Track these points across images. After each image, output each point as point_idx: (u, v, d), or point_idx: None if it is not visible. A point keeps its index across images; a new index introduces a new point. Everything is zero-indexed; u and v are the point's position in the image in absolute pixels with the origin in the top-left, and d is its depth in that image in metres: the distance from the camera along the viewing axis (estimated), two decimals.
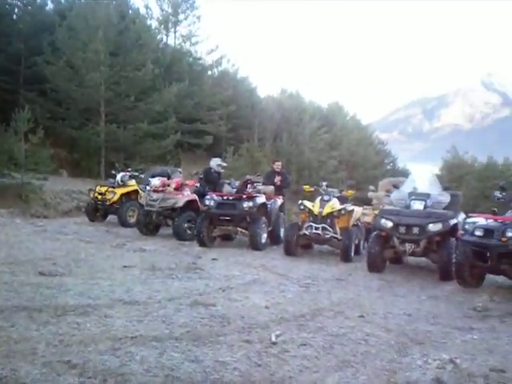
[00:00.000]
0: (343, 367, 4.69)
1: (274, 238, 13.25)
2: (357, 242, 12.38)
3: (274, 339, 5.29)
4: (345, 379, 4.41)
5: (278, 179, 14.38)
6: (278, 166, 14.94)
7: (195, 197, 13.80)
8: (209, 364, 4.51)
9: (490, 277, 9.44)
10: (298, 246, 11.93)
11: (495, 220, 8.66)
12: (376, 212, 12.48)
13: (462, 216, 10.65)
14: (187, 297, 6.96)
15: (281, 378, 4.35)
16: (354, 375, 4.51)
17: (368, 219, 14.12)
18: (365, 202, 16.11)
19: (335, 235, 11.63)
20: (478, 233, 8.50)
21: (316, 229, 11.53)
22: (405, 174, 42.87)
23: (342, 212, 11.85)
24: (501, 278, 9.36)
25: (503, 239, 8.13)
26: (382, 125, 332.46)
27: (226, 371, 4.38)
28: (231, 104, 36.88)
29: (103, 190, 15.87)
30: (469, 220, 8.96)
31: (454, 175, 41.60)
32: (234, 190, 12.81)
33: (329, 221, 11.66)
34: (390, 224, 9.88)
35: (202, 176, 15.19)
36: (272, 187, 13.87)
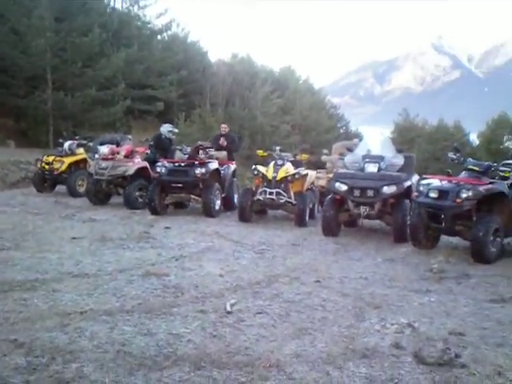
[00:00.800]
0: (300, 335, 4.60)
1: (227, 205, 13.11)
2: (311, 206, 12.33)
3: (229, 308, 5.18)
4: (302, 347, 4.31)
5: (222, 141, 14.06)
6: (223, 128, 14.63)
7: (146, 164, 13.51)
8: (162, 337, 4.38)
9: (444, 238, 9.51)
10: (252, 211, 11.80)
11: (449, 181, 8.67)
12: (330, 176, 12.41)
13: (415, 178, 10.67)
14: (139, 267, 6.78)
15: (237, 348, 4.23)
16: (312, 343, 4.42)
17: (322, 183, 14.08)
18: (319, 165, 16.05)
19: (289, 200, 11.53)
20: (433, 194, 8.51)
21: (270, 194, 11.40)
22: (358, 137, 43.17)
23: (296, 176, 11.74)
24: (455, 239, 9.44)
25: (457, 200, 8.15)
26: (334, 89, 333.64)
27: (179, 344, 4.25)
28: (182, 69, 36.19)
29: (50, 159, 15.37)
30: (423, 182, 8.96)
31: (405, 138, 42.01)
32: (186, 156, 12.54)
33: (283, 185, 11.54)
34: (344, 187, 9.83)
35: (152, 143, 14.86)
36: (225, 152, 13.67)
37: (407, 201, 9.78)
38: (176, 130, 15.37)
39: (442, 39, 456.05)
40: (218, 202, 12.37)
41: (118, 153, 13.67)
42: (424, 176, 9.57)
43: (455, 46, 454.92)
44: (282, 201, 11.48)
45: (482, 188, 8.28)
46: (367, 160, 10.24)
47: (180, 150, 12.99)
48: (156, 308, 5.11)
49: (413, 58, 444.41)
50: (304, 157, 12.99)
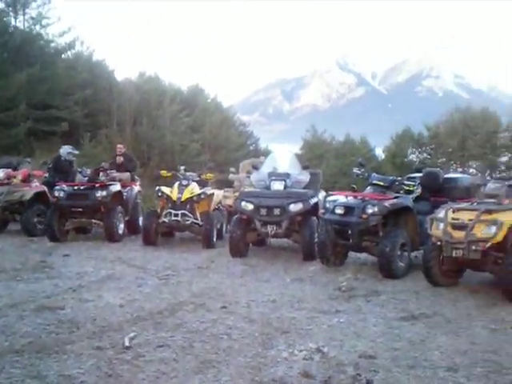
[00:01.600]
0: (204, 368, 4.32)
1: (132, 228, 12.65)
2: (219, 226, 12.10)
3: (127, 343, 4.84)
4: (206, 383, 4.03)
5: (119, 159, 13.56)
6: (119, 148, 14.15)
7: (44, 188, 12.82)
8: (53, 379, 4.02)
9: (352, 254, 9.48)
10: (157, 234, 11.41)
11: (355, 197, 8.68)
12: (237, 194, 12.23)
13: (322, 194, 10.64)
14: (32, 301, 6.32)
15: None
16: (216, 377, 4.15)
17: (229, 202, 13.85)
18: (228, 184, 15.86)
19: (196, 221, 11.24)
20: (339, 211, 8.47)
21: (175, 215, 11.07)
22: (267, 154, 43.37)
23: (202, 196, 11.47)
24: (363, 255, 9.43)
25: (364, 216, 8.14)
26: (243, 107, 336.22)
27: None
28: (87, 88, 35.22)
29: None
30: (329, 198, 8.93)
31: (314, 154, 42.62)
32: (86, 178, 12.00)
33: (188, 206, 11.24)
34: (250, 206, 9.67)
35: (51, 165, 14.18)
36: (128, 174, 13.20)
37: (314, 218, 9.72)
38: (76, 152, 14.73)
39: (346, 57, 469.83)
40: (122, 226, 11.89)
41: (14, 177, 12.93)
42: (330, 192, 9.56)
43: (359, 63, 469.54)
44: (187, 222, 11.17)
45: (387, 203, 8.32)
46: (273, 178, 10.13)
47: (80, 172, 12.42)
48: (48, 346, 4.72)
49: (319, 76, 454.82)
50: (210, 176, 12.76)
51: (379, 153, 42.96)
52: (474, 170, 33.43)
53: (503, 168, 33.82)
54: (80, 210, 11.45)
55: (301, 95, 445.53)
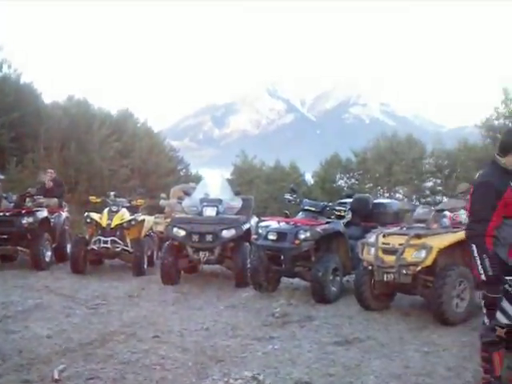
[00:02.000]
0: None
1: (59, 255, 12.26)
2: (149, 253, 11.90)
3: (56, 376, 4.67)
4: None
5: (49, 184, 13.18)
6: (49, 173, 13.77)
7: None
8: None
9: (285, 280, 9.49)
10: (86, 262, 11.11)
11: (287, 223, 8.72)
12: (168, 221, 12.10)
13: (254, 220, 10.65)
14: None
15: None
16: None
17: (161, 228, 13.71)
18: (159, 210, 15.67)
19: (126, 248, 11.03)
20: (272, 236, 8.50)
21: (105, 242, 10.82)
22: (198, 179, 43.19)
23: (132, 222, 11.28)
24: (296, 281, 9.45)
25: (296, 242, 8.19)
26: (174, 132, 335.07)
27: None
28: (14, 111, 34.28)
29: None
30: (262, 224, 8.97)
31: (244, 179, 42.72)
32: (12, 204, 11.59)
33: (118, 233, 11.02)
34: (182, 233, 9.57)
35: None
36: (55, 200, 12.83)
37: (247, 244, 9.71)
38: (2, 177, 14.29)
39: (276, 84, 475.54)
40: (49, 253, 11.52)
41: None
42: (262, 218, 9.58)
43: (288, 90, 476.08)
44: (117, 249, 10.94)
45: (319, 228, 8.41)
46: (205, 204, 10.09)
47: (5, 198, 11.99)
48: None
49: (249, 102, 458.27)
50: (140, 202, 12.60)
51: (308, 178, 43.45)
52: (401, 195, 34.27)
53: (428, 193, 34.78)
54: (5, 237, 11.00)
55: (231, 121, 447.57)
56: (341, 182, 38.72)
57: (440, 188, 34.38)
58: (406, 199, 31.98)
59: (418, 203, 28.62)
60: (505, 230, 3.96)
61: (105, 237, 10.86)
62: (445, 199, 31.45)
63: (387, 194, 34.67)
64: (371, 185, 36.70)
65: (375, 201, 10.16)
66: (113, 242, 10.86)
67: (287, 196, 9.49)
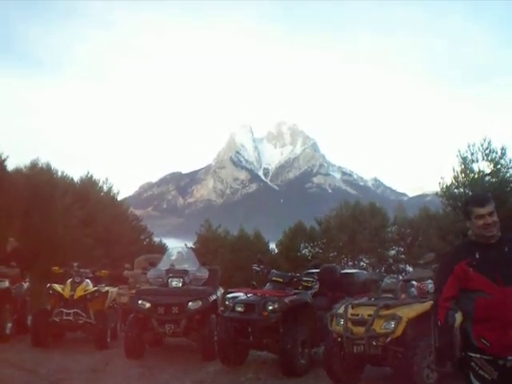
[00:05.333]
0: None
1: (20, 328, 11.81)
2: (113, 325, 11.56)
3: None
4: None
5: (10, 253, 12.85)
6: (11, 242, 13.50)
7: None
8: None
9: (253, 352, 9.26)
10: (48, 334, 10.71)
11: (255, 294, 8.59)
12: (133, 292, 11.83)
13: (221, 291, 10.49)
14: None
15: None
16: None
17: (125, 300, 13.38)
18: (122, 281, 15.33)
19: (89, 320, 10.69)
20: (239, 308, 8.36)
21: (67, 314, 10.49)
22: (162, 248, 42.76)
23: (96, 294, 10.99)
24: (264, 353, 9.23)
25: (264, 313, 8.05)
26: (137, 201, 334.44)
27: None
28: None
29: None
30: (229, 295, 8.83)
31: (208, 248, 42.37)
32: None
33: (81, 304, 10.71)
34: (147, 305, 9.35)
35: None
36: (17, 270, 12.45)
37: (214, 316, 9.51)
38: None
39: (239, 154, 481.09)
40: (9, 325, 11.12)
41: None
42: (229, 289, 9.44)
43: (252, 160, 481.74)
44: (80, 321, 10.60)
45: (287, 299, 8.31)
46: (171, 275, 9.91)
47: None
48: None
49: (213, 172, 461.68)
50: (104, 272, 12.35)
51: (273, 247, 43.39)
52: (365, 264, 34.37)
53: (391, 261, 34.99)
54: None
55: (195, 190, 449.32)
56: (305, 251, 38.74)
57: (403, 256, 34.65)
58: (370, 268, 32.10)
59: (384, 273, 28.75)
60: (463, 303, 3.91)
61: (67, 309, 10.54)
62: (408, 268, 31.71)
63: (351, 263, 34.75)
64: (335, 253, 36.81)
65: (343, 271, 10.13)
66: (75, 314, 10.54)
67: (254, 267, 9.42)
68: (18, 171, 42.43)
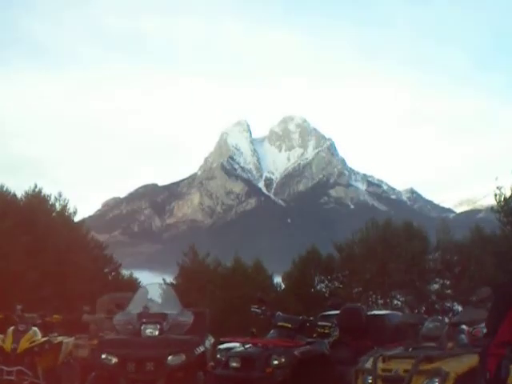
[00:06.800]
0: None
1: None
2: None
3: None
4: None
5: None
6: None
7: None
8: None
9: None
10: None
11: (255, 345, 8.58)
12: (94, 343, 11.84)
13: (211, 341, 10.48)
14: None
15: None
16: None
17: (84, 354, 13.39)
18: (80, 328, 15.35)
19: (36, 380, 10.75)
20: (235, 363, 8.35)
21: (9, 373, 10.57)
22: (133, 285, 42.81)
23: (46, 346, 11.06)
24: None
25: (267, 370, 8.03)
26: (101, 222, 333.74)
27: None
28: None
29: None
30: (221, 346, 8.82)
31: (194, 284, 42.39)
32: None
33: (27, 360, 10.78)
34: (113, 360, 9.32)
35: None
36: None
37: (201, 373, 9.49)
38: None
39: (232, 160, 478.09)
40: None
41: None
42: (222, 339, 9.44)
43: (250, 168, 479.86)
44: (25, 382, 10.64)
45: (296, 351, 8.31)
46: (144, 320, 9.88)
47: None
48: None
49: (199, 184, 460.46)
50: (56, 318, 12.41)
51: (278, 281, 43.39)
52: (400, 303, 34.26)
53: (434, 298, 34.87)
54: None
55: (175, 208, 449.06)
56: (321, 287, 38.75)
57: (449, 292, 34.57)
58: (406, 308, 31.98)
59: (424, 314, 28.63)
60: None
61: (8, 366, 10.63)
62: (456, 307, 31.61)
63: (381, 302, 34.69)
64: (360, 289, 36.79)
65: (370, 312, 10.13)
66: (19, 372, 10.65)
67: (254, 309, 9.41)
68: None
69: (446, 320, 8.95)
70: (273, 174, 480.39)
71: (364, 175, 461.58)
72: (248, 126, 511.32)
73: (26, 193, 50.51)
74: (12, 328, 11.20)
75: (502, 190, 26.07)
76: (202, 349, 9.80)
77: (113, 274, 54.58)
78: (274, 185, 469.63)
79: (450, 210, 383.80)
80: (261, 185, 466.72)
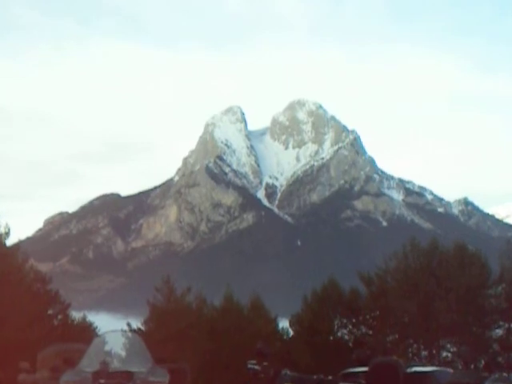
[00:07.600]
0: None
1: None
2: None
3: None
4: None
5: None
6: None
7: None
8: None
9: None
10: None
11: None
12: None
13: None
14: None
15: None
16: None
17: None
18: None
19: None
20: None
21: None
22: (86, 332, 42.87)
23: None
24: None
25: None
26: (43, 246, 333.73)
27: None
28: None
29: None
30: None
31: (170, 330, 42.40)
32: None
33: None
34: None
35: None
36: None
37: None
38: None
39: (221, 161, 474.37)
40: None
41: None
42: None
43: (245, 171, 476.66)
44: None
45: None
46: (102, 381, 9.87)
47: None
48: None
49: (176, 193, 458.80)
50: None
51: (285, 326, 43.42)
52: (450, 355, 34.19)
53: (497, 348, 34.73)
54: None
55: (144, 226, 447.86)
56: (342, 333, 38.72)
57: None
58: (459, 362, 31.87)
59: (484, 370, 28.47)
60: None
61: None
62: None
63: (426, 354, 34.63)
64: (396, 336, 36.73)
65: (411, 369, 10.11)
66: None
67: (252, 365, 9.40)
68: None
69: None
70: (276, 179, 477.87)
71: (400, 180, 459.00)
72: (242, 113, 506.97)
73: None
74: None
75: None
76: None
77: (59, 316, 54.51)
78: (278, 194, 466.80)
79: None
80: (260, 194, 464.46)
